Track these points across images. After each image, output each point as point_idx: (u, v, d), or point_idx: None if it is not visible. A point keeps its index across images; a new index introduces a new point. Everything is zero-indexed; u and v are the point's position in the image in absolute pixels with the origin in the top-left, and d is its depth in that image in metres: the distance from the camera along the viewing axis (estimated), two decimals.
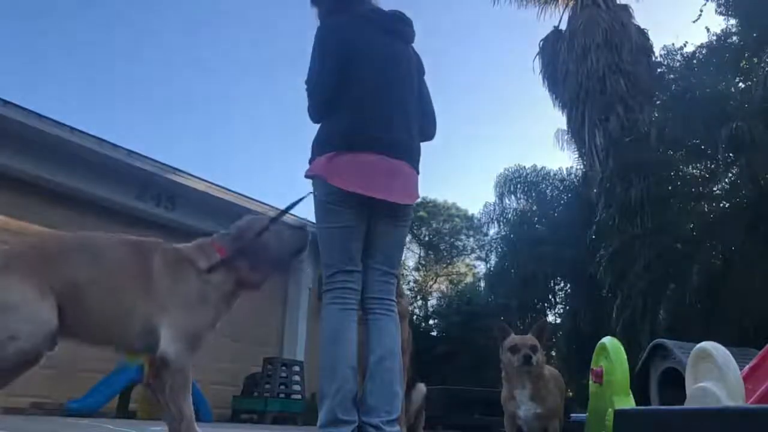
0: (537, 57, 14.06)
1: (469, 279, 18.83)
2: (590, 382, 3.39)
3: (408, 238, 11.17)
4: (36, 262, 1.93)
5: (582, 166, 13.09)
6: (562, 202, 13.38)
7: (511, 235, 13.98)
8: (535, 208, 13.95)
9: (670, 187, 9.49)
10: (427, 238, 19.25)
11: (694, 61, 10.07)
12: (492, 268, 15.35)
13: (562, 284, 13.60)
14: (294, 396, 8.98)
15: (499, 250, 14.93)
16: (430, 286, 18.78)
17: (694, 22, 9.94)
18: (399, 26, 2.74)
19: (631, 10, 13.19)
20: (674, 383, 4.92)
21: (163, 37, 24.58)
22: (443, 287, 18.70)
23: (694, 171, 9.98)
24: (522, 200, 14.11)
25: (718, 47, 9.74)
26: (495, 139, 31.26)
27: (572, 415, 4.86)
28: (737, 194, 9.30)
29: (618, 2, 13.26)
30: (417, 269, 19.15)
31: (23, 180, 7.48)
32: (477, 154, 31.92)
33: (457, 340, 13.62)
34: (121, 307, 2.02)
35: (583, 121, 12.28)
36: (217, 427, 6.95)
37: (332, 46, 2.56)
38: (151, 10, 22.77)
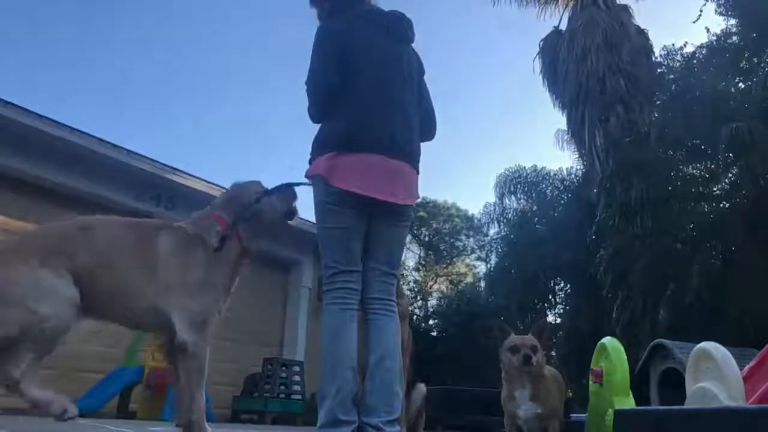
0: (537, 57, 14.06)
1: (469, 279, 18.84)
2: (590, 382, 3.39)
3: (408, 238, 11.17)
4: (44, 249, 1.96)
5: (582, 166, 13.09)
6: (562, 202, 13.38)
7: (511, 236, 13.99)
8: (535, 208, 13.95)
9: (670, 187, 9.49)
10: (427, 238, 19.26)
11: (694, 61, 10.07)
12: (492, 269, 15.36)
13: (562, 284, 13.60)
14: (294, 396, 8.96)
15: (499, 250, 14.93)
16: (430, 287, 18.79)
17: (694, 22, 9.95)
18: (399, 26, 2.74)
19: (631, 10, 13.19)
20: (674, 383, 4.92)
21: (164, 36, 24.59)
22: (443, 287, 18.71)
23: (694, 171, 9.97)
24: (522, 200, 14.12)
25: (718, 47, 9.74)
26: (495, 139, 31.31)
27: (572, 415, 4.85)
28: (737, 194, 9.30)
29: (618, 2, 13.26)
30: (417, 269, 19.15)
31: (23, 180, 7.48)
32: (477, 154, 31.97)
33: (457, 340, 13.62)
34: (127, 287, 2.05)
35: (583, 121, 12.28)
36: (217, 428, 6.94)
37: (332, 46, 2.56)
38: (154, 9, 22.78)
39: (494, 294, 14.12)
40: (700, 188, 9.74)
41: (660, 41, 15.29)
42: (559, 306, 13.92)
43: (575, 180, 13.43)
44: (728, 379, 2.43)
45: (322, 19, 2.73)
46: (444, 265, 19.40)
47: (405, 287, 16.58)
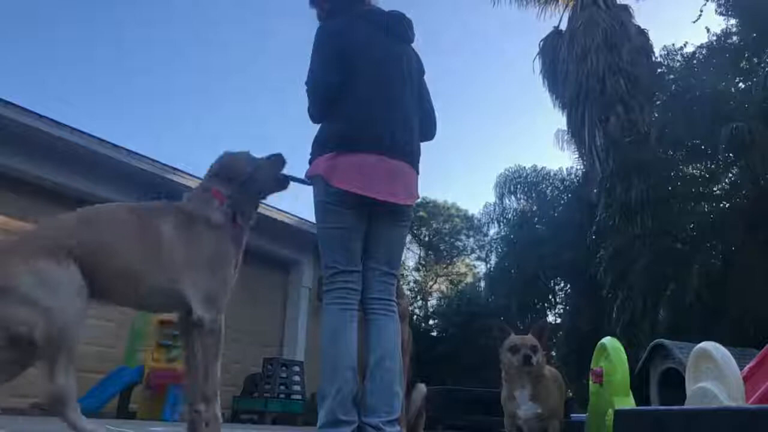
0: (537, 57, 14.07)
1: (469, 279, 18.85)
2: (590, 382, 3.39)
3: (408, 238, 11.17)
4: (46, 242, 1.95)
5: (582, 166, 13.10)
6: (562, 202, 13.39)
7: (511, 236, 14.00)
8: (535, 208, 13.96)
9: (670, 187, 9.50)
10: (427, 238, 19.26)
11: (694, 61, 10.07)
12: (492, 269, 15.38)
13: (562, 284, 13.61)
14: (294, 396, 8.96)
15: (499, 250, 14.95)
16: (430, 287, 18.79)
17: (694, 22, 9.96)
18: (399, 26, 2.74)
19: (631, 10, 13.20)
20: (674, 383, 4.92)
21: (165, 36, 24.60)
22: (443, 287, 18.71)
23: (694, 171, 9.98)
24: (522, 200, 14.14)
25: (718, 47, 9.75)
26: (495, 139, 31.33)
27: (572, 415, 4.86)
28: (737, 194, 9.31)
29: (618, 2, 13.26)
30: (417, 269, 19.16)
31: (23, 180, 7.48)
32: (477, 154, 31.98)
33: (457, 340, 13.63)
34: (132, 269, 2.06)
35: (583, 121, 12.28)
36: None
37: (332, 46, 2.56)
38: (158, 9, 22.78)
39: (494, 294, 14.13)
40: (700, 188, 9.75)
41: (660, 41, 15.33)
42: (559, 306, 13.94)
43: (575, 180, 13.43)
44: (728, 379, 2.43)
45: (322, 19, 2.73)
46: (444, 265, 19.40)
47: (405, 287, 16.57)
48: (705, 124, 8.58)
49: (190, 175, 8.66)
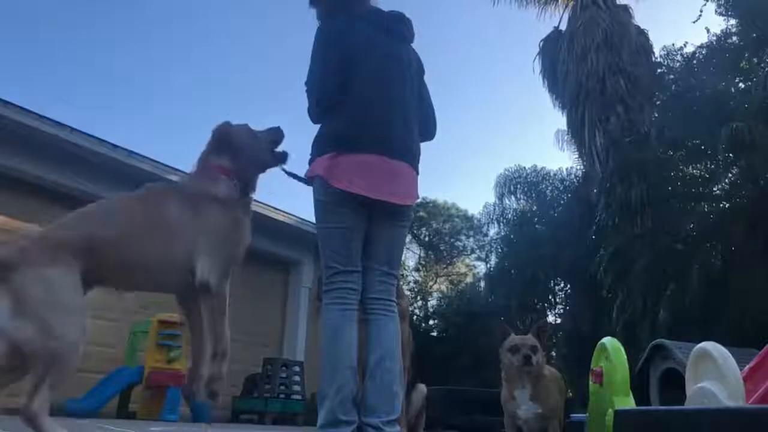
0: (537, 57, 14.07)
1: (469, 279, 18.83)
2: (590, 382, 3.39)
3: (408, 238, 11.18)
4: (53, 247, 1.93)
5: (582, 167, 13.10)
6: (562, 202, 13.39)
7: (511, 236, 14.00)
8: (535, 208, 13.96)
9: (670, 187, 9.50)
10: (427, 239, 19.24)
11: (694, 62, 10.07)
12: (492, 269, 15.37)
13: (562, 284, 13.61)
14: (294, 396, 8.96)
15: (499, 250, 14.95)
16: (430, 287, 18.77)
17: (694, 22, 9.95)
18: (398, 26, 2.74)
19: (631, 10, 13.20)
20: (674, 383, 4.92)
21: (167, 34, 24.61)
22: (443, 287, 18.70)
23: (694, 171, 9.98)
24: (522, 201, 14.14)
25: (718, 47, 9.74)
26: (495, 139, 31.31)
27: (572, 415, 4.86)
28: (737, 194, 9.30)
29: (618, 2, 13.26)
30: (417, 269, 19.14)
31: (23, 180, 7.48)
32: (477, 154, 31.95)
33: (457, 341, 13.62)
34: (147, 258, 2.07)
35: (583, 121, 12.28)
36: (217, 428, 6.95)
37: (332, 46, 2.56)
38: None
39: (494, 294, 14.12)
40: (700, 188, 9.75)
41: (660, 41, 15.33)
42: (559, 306, 13.94)
43: (575, 180, 13.43)
44: (728, 379, 2.43)
45: (322, 19, 2.73)
46: (444, 265, 19.39)
47: (405, 287, 16.56)
48: (705, 124, 8.58)
49: None
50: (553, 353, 12.01)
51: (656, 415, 2.65)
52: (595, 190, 11.09)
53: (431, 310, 17.51)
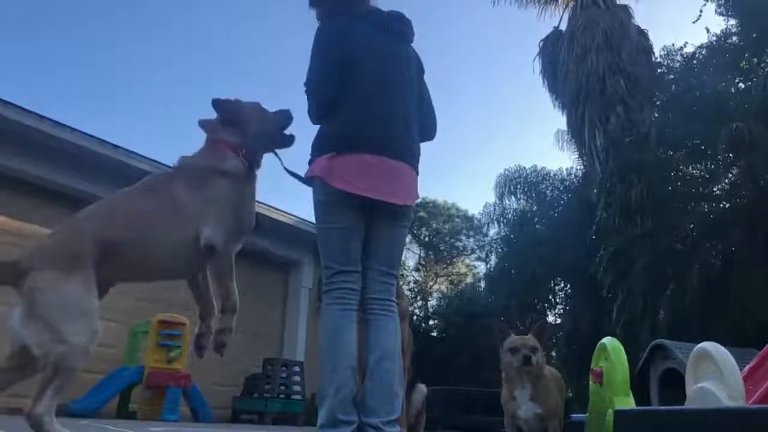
0: (537, 57, 14.07)
1: (469, 279, 18.83)
2: (590, 382, 3.39)
3: (408, 238, 11.17)
4: (64, 251, 1.93)
5: (582, 167, 13.09)
6: (562, 202, 13.38)
7: (511, 236, 13.98)
8: (535, 208, 13.95)
9: (670, 188, 9.50)
10: (427, 239, 19.24)
11: (694, 62, 10.08)
12: (492, 269, 15.36)
13: (562, 285, 13.60)
14: (294, 396, 8.96)
15: (499, 250, 14.93)
16: (430, 287, 18.77)
17: (694, 22, 9.96)
18: (398, 26, 2.73)
19: (631, 10, 13.20)
20: (674, 383, 4.92)
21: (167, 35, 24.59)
22: (443, 288, 18.69)
23: (694, 171, 9.98)
24: (522, 201, 14.12)
25: (718, 47, 9.75)
26: (495, 139, 31.32)
27: (572, 415, 4.86)
28: (737, 194, 9.30)
29: (618, 2, 13.27)
30: (417, 269, 19.13)
31: (23, 180, 7.48)
32: (477, 154, 31.97)
33: (457, 341, 13.61)
34: (162, 244, 2.07)
35: (583, 121, 12.28)
36: (217, 428, 6.95)
37: (331, 47, 2.56)
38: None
39: (494, 294, 14.11)
40: (700, 188, 9.75)
41: (660, 41, 15.33)
42: (559, 306, 13.93)
43: (575, 180, 13.42)
44: (728, 379, 2.43)
45: (322, 20, 2.73)
46: (444, 265, 19.38)
47: (405, 287, 16.56)
48: (705, 124, 8.58)
49: None
50: (553, 353, 12.01)
51: (656, 415, 2.65)
52: (595, 190, 11.08)
53: (431, 310, 17.51)
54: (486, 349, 10.03)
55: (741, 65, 9.56)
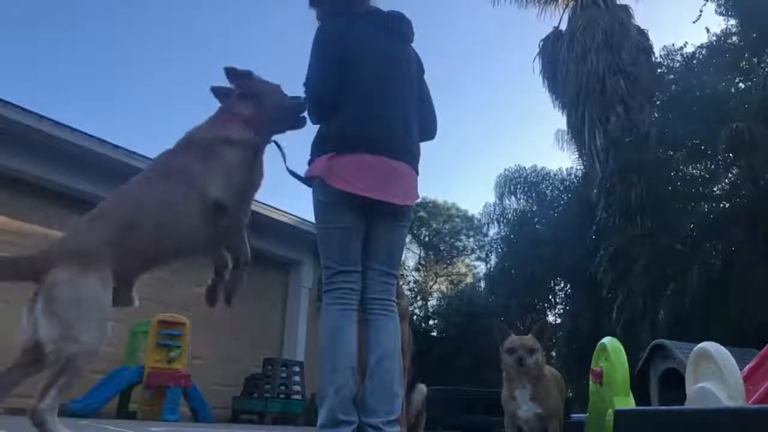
0: (537, 57, 14.07)
1: (469, 279, 18.82)
2: (590, 382, 3.39)
3: (408, 238, 11.17)
4: (82, 249, 1.92)
5: (582, 167, 13.09)
6: (562, 202, 13.37)
7: (511, 236, 13.98)
8: (535, 208, 13.94)
9: (670, 188, 9.50)
10: (427, 239, 19.23)
11: (694, 62, 10.08)
12: (492, 269, 15.36)
13: (562, 285, 13.60)
14: (294, 396, 8.96)
15: (499, 250, 14.93)
16: (430, 287, 18.76)
17: (694, 22, 9.96)
18: (398, 26, 2.73)
19: (631, 10, 13.20)
20: (674, 383, 4.92)
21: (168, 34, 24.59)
22: (443, 287, 18.69)
23: (694, 171, 9.98)
24: (522, 201, 14.11)
25: (718, 47, 9.75)
26: (495, 139, 31.32)
27: (572, 415, 4.86)
28: (737, 194, 9.31)
29: (618, 2, 13.26)
30: (417, 269, 19.12)
31: (23, 180, 7.48)
32: (477, 154, 31.97)
33: (457, 341, 13.60)
34: (177, 226, 2.08)
35: (583, 121, 12.28)
36: (218, 428, 6.95)
37: (331, 46, 2.56)
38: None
39: (494, 294, 14.11)
40: (700, 188, 9.75)
41: (660, 41, 15.33)
42: (559, 306, 13.93)
43: (575, 180, 13.42)
44: (728, 379, 2.43)
45: (322, 20, 2.73)
46: (444, 265, 19.38)
47: (405, 287, 16.55)
48: (705, 124, 8.58)
49: None
50: (553, 353, 12.00)
51: (656, 415, 2.65)
52: (595, 190, 11.08)
53: (431, 310, 17.50)
54: (486, 349, 10.03)
55: (741, 65, 9.56)
